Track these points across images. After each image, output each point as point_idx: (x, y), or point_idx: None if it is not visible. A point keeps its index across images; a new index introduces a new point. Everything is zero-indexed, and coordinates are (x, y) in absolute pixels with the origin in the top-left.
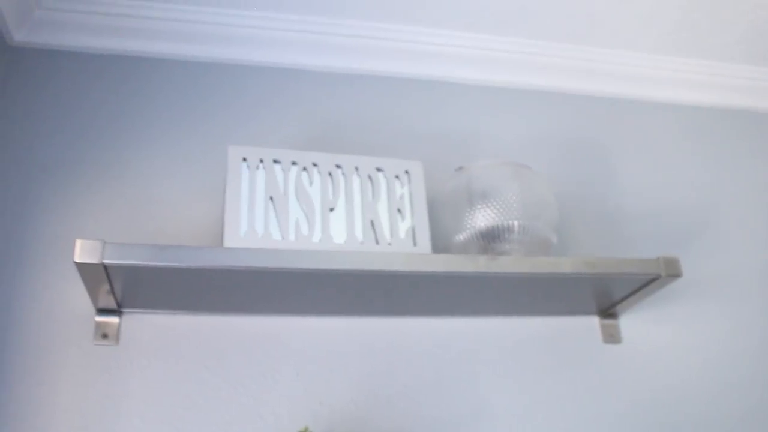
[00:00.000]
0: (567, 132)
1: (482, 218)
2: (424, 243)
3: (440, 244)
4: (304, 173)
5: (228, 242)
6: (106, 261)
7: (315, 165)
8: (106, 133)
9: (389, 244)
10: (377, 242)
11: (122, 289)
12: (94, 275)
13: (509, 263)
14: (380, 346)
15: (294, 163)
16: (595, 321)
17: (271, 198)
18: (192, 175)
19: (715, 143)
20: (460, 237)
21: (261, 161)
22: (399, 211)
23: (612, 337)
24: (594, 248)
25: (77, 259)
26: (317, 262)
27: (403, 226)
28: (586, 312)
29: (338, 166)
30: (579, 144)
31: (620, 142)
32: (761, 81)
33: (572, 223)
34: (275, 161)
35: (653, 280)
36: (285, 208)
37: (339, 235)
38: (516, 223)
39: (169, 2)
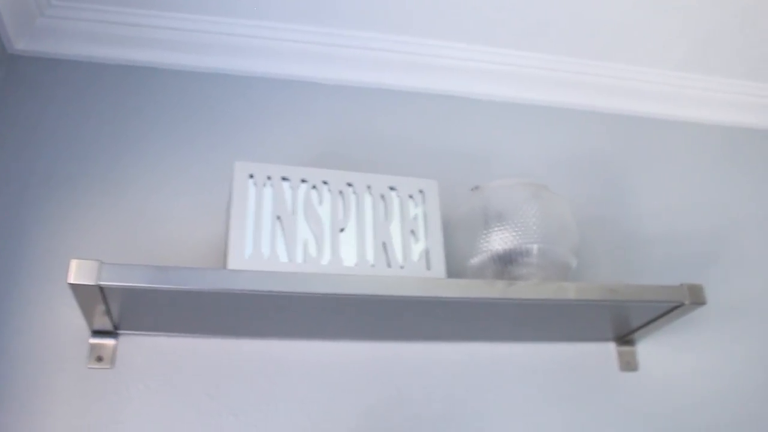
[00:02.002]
0: (587, 151)
1: (499, 241)
2: (439, 267)
3: (454, 267)
4: (313, 191)
5: (232, 264)
6: (102, 282)
7: (325, 183)
8: (107, 146)
9: (402, 267)
10: (389, 265)
11: (119, 310)
12: (90, 297)
13: (528, 289)
14: (390, 373)
15: (303, 181)
16: (611, 348)
17: (278, 217)
18: (197, 191)
19: (739, 164)
20: (475, 260)
21: (269, 178)
22: (412, 232)
23: (629, 364)
24: (610, 272)
25: (72, 280)
26: (326, 286)
27: (417, 249)
28: (602, 338)
29: (349, 185)
30: (599, 163)
31: (641, 162)
32: None
33: (589, 246)
34: (284, 178)
35: (676, 307)
36: (293, 229)
37: (349, 258)
38: (535, 246)
39: (175, 11)
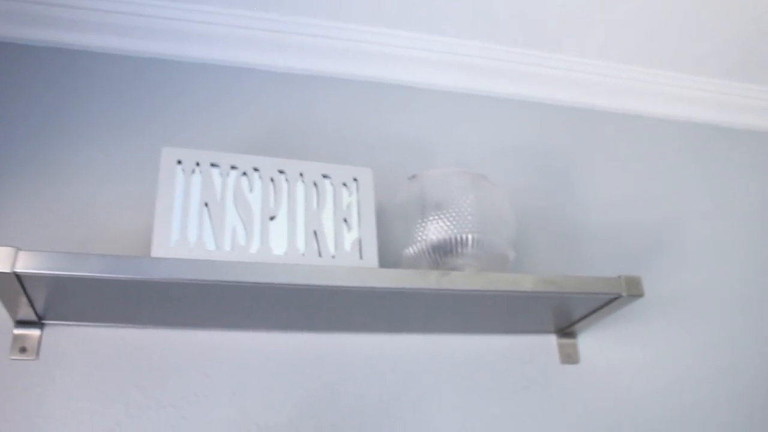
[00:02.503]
0: (529, 142)
1: (435, 230)
2: (371, 256)
3: (389, 257)
4: (243, 178)
5: (156, 251)
6: (18, 270)
7: (256, 170)
8: (34, 131)
9: (333, 256)
10: (320, 254)
11: (43, 299)
12: (7, 285)
13: (462, 280)
14: (323, 365)
15: (233, 168)
16: (552, 340)
17: (206, 204)
18: (127, 178)
19: (682, 157)
20: (411, 250)
21: (197, 164)
22: (345, 221)
23: (569, 356)
24: (553, 264)
25: None
26: (254, 274)
27: (349, 238)
28: (543, 330)
29: (281, 172)
30: (541, 155)
31: (584, 154)
32: (730, 95)
33: (531, 238)
34: (213, 165)
35: (614, 299)
36: (221, 216)
37: (279, 246)
38: (470, 236)
39: None
